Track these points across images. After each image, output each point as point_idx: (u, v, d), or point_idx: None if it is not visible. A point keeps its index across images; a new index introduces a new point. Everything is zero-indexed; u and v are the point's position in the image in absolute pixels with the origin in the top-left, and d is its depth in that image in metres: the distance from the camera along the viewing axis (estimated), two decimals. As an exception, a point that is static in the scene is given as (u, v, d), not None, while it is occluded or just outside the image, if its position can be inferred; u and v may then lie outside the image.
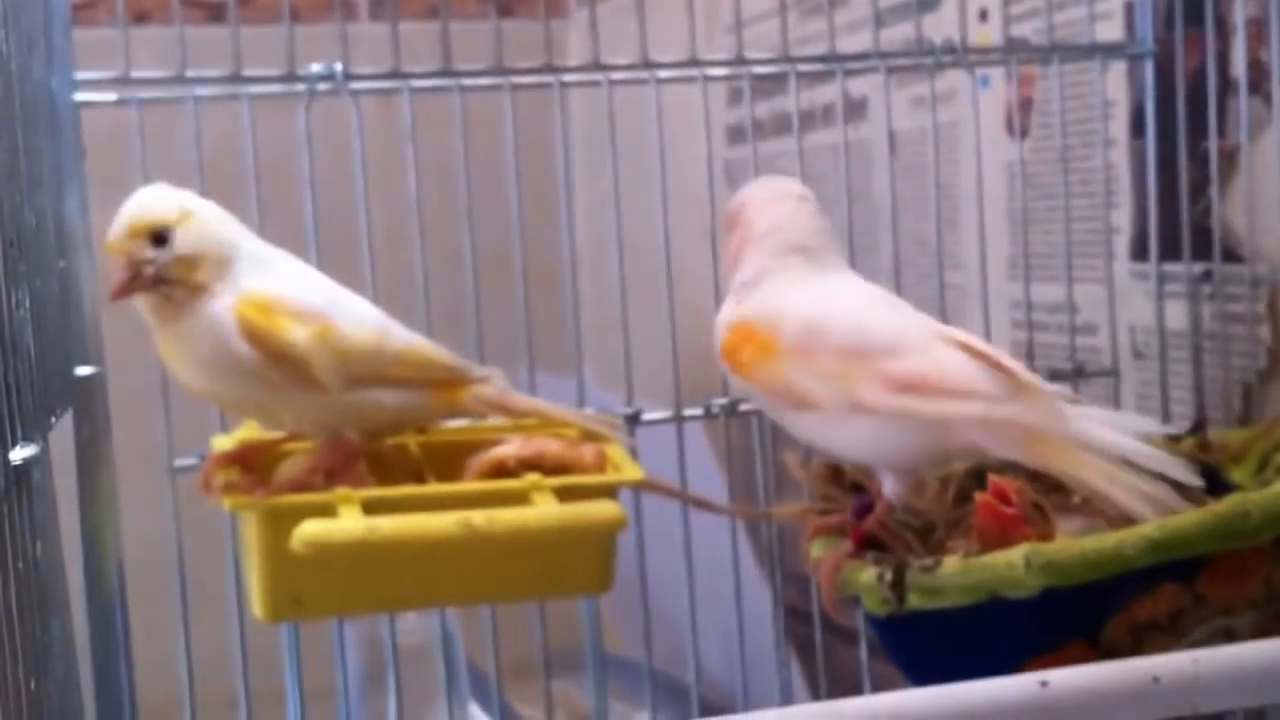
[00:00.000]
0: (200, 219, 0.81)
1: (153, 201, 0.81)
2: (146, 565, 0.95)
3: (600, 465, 0.84)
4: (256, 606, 0.80)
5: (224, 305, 0.79)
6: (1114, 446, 0.75)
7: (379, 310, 0.85)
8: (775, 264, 0.83)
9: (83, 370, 0.91)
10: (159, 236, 0.79)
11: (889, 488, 0.80)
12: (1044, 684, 0.58)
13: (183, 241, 0.80)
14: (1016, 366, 0.78)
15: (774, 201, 0.85)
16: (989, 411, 0.76)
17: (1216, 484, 0.86)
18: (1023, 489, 0.77)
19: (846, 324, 0.80)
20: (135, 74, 0.92)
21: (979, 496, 0.78)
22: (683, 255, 0.99)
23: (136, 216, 0.80)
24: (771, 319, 0.81)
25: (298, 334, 0.80)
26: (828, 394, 0.79)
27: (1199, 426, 0.95)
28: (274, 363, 0.79)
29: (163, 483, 0.92)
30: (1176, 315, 1.02)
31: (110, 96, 0.92)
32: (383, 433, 0.84)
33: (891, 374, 0.78)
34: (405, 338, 0.84)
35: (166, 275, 0.79)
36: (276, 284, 0.81)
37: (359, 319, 0.83)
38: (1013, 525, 0.76)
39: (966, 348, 0.78)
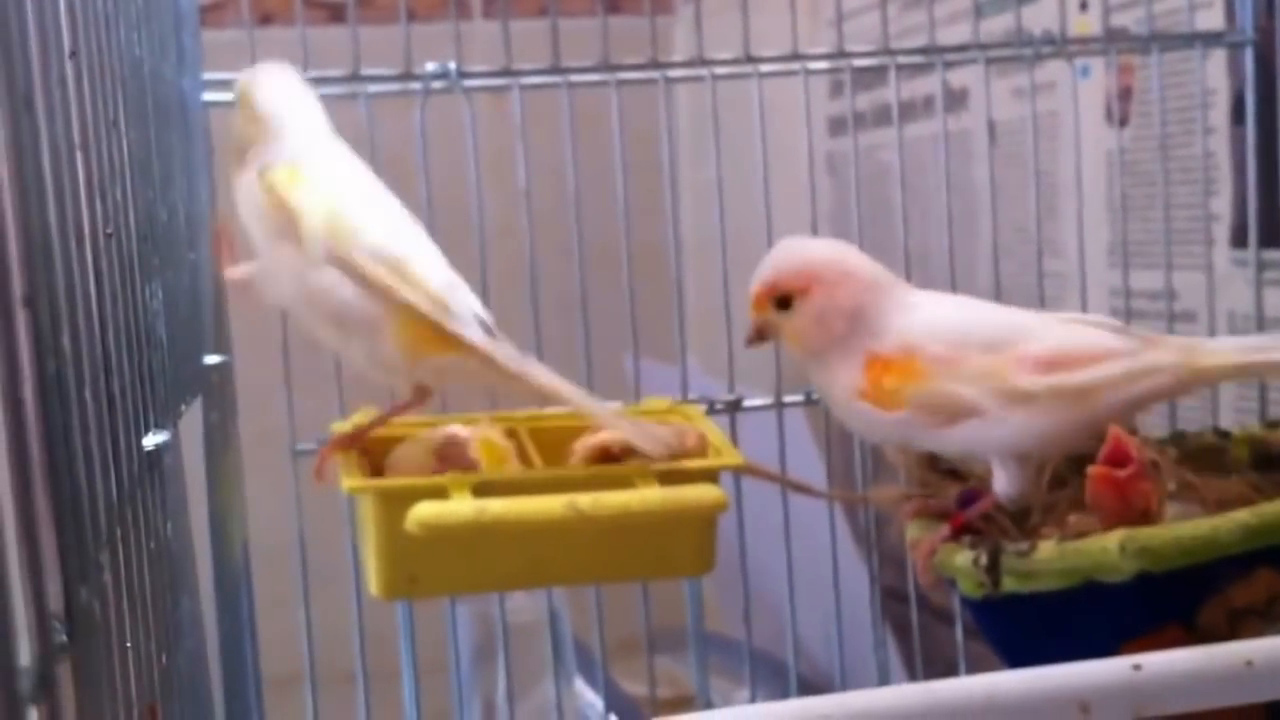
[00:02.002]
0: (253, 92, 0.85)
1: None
2: (270, 545, 0.98)
3: (702, 450, 0.86)
4: (373, 585, 0.82)
5: (263, 166, 0.83)
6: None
7: (424, 238, 0.83)
8: (876, 303, 0.83)
9: (211, 359, 0.94)
10: None
11: (1004, 484, 0.82)
12: (1137, 667, 0.58)
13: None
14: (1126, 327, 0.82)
15: (843, 254, 0.85)
16: (1132, 365, 0.79)
17: (1314, 471, 0.87)
18: (1141, 444, 0.78)
19: (980, 322, 0.82)
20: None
21: (1091, 469, 0.77)
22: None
23: None
24: (902, 344, 0.81)
25: (302, 196, 0.81)
26: (982, 393, 0.80)
27: (1296, 413, 0.95)
28: (274, 212, 0.81)
29: (285, 466, 0.95)
30: (1276, 303, 1.02)
31: (236, 96, 0.95)
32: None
33: (1036, 356, 0.80)
34: (416, 252, 0.81)
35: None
36: (322, 163, 0.84)
37: (378, 219, 0.82)
38: (1129, 485, 0.76)
39: (1080, 322, 0.82)
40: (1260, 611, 0.74)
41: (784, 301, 0.83)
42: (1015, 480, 0.81)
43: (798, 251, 0.85)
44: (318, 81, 0.94)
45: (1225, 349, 0.80)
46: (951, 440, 0.82)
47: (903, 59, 1.03)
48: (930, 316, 0.83)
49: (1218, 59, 1.07)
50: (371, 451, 0.86)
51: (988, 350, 0.80)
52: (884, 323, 0.82)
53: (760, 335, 0.85)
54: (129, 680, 0.54)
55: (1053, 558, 0.75)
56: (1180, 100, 1.08)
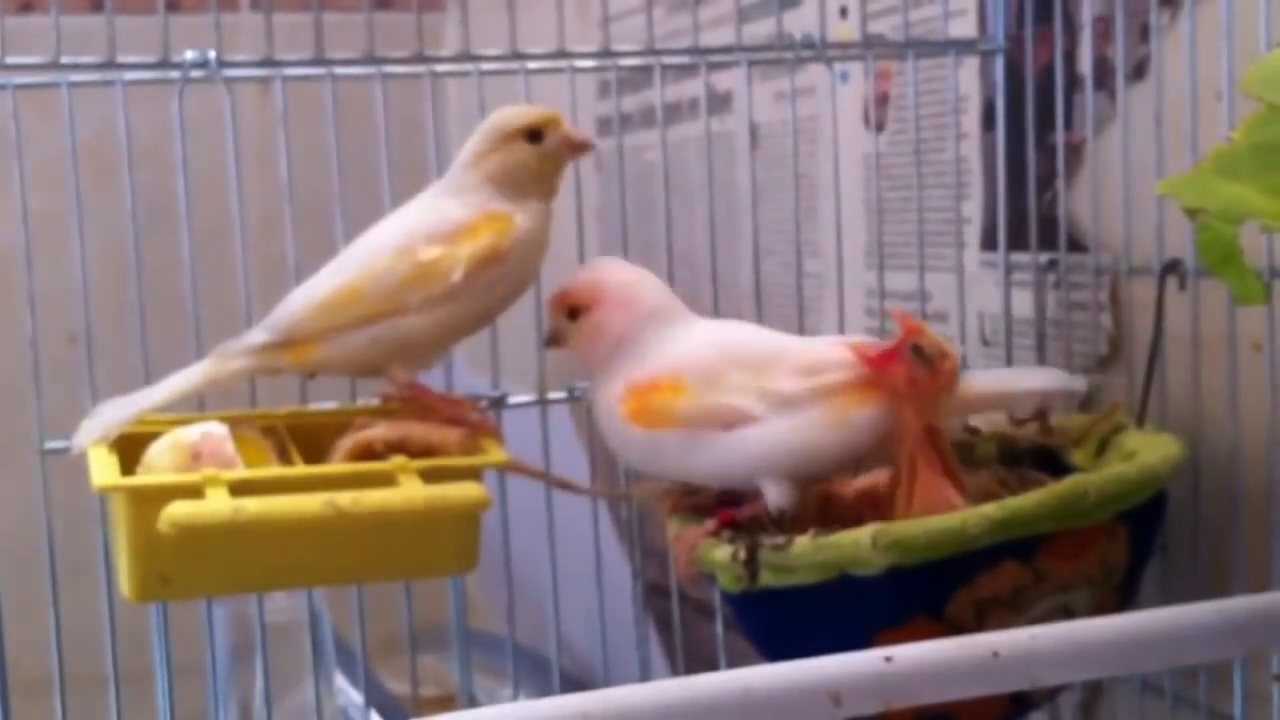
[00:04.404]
0: None
1: None
2: (19, 546, 0.95)
3: (466, 447, 0.86)
4: (125, 586, 0.80)
5: None
6: None
7: None
8: (650, 332, 0.87)
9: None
10: None
11: (776, 498, 0.84)
12: (888, 659, 0.59)
13: None
14: None
15: (636, 281, 0.90)
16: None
17: (1058, 466, 0.90)
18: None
19: (744, 344, 0.87)
20: (10, 60, 0.91)
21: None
22: (552, 241, 1.00)
23: None
24: (670, 367, 0.86)
25: None
26: (748, 399, 0.83)
27: (1042, 411, 0.98)
28: None
29: (34, 464, 0.92)
30: (1023, 303, 1.05)
31: (-14, 81, 0.92)
32: None
33: (795, 365, 0.83)
34: None
35: None
36: None
37: None
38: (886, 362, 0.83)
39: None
40: (1006, 602, 0.77)
41: (572, 312, 0.89)
42: (786, 494, 0.83)
43: (597, 269, 0.91)
44: (70, 68, 0.92)
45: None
46: (725, 450, 0.84)
47: (668, 59, 1.04)
48: (695, 344, 0.87)
49: (970, 66, 1.10)
50: (125, 449, 0.83)
51: (748, 368, 0.83)
52: (650, 352, 0.87)
53: (554, 339, 0.91)
54: None
55: (808, 551, 0.77)
56: (934, 106, 1.11)
